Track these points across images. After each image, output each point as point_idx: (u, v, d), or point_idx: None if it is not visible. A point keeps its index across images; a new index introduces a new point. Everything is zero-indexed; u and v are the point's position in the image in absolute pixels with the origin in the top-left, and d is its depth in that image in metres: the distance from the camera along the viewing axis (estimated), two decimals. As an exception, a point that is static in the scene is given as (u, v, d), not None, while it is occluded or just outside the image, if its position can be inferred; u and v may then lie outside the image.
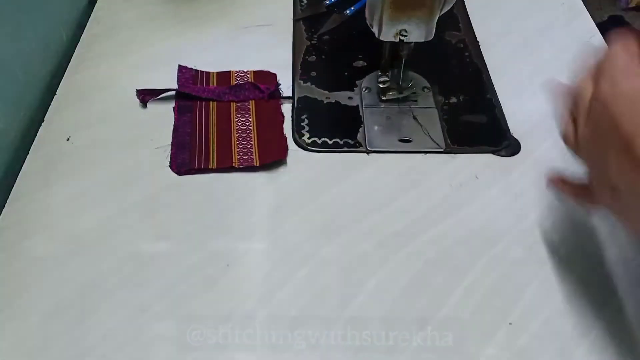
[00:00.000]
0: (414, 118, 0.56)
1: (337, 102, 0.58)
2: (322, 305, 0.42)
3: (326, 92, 0.59)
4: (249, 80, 0.60)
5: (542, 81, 0.60)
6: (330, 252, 0.46)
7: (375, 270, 0.44)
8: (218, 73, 0.61)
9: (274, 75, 0.61)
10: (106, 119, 0.56)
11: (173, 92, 0.58)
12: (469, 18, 0.69)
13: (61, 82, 0.60)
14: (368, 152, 0.53)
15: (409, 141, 0.54)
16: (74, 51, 0.64)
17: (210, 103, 0.57)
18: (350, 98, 0.58)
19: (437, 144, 0.53)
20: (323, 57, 0.64)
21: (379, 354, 0.40)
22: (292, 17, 0.69)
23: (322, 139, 0.54)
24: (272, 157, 0.52)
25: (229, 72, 0.61)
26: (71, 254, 0.45)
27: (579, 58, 0.38)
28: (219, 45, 0.65)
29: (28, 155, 0.52)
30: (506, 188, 0.50)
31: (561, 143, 0.53)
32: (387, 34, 0.51)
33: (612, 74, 0.34)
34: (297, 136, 0.54)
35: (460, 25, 0.68)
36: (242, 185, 0.50)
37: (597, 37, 0.66)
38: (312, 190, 0.50)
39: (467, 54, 0.64)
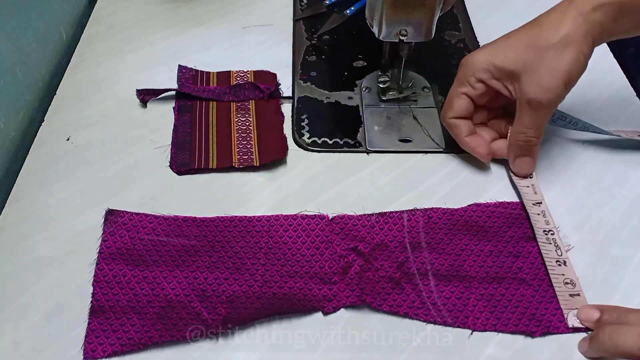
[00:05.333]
0: (414, 118, 0.56)
1: (337, 102, 0.58)
2: (322, 305, 0.42)
3: (326, 92, 0.59)
4: (249, 80, 0.60)
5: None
6: (330, 252, 0.46)
7: (375, 270, 0.44)
8: (218, 73, 0.61)
9: (274, 75, 0.61)
10: (106, 119, 0.56)
11: (173, 92, 0.58)
12: (469, 18, 0.68)
13: (61, 82, 0.60)
14: (368, 152, 0.53)
15: (409, 141, 0.54)
16: (74, 51, 0.64)
17: (210, 103, 0.57)
18: (350, 98, 0.58)
19: (437, 144, 0.53)
20: (323, 57, 0.64)
21: (379, 354, 0.40)
22: (292, 17, 0.69)
23: (322, 139, 0.54)
24: (271, 157, 0.52)
25: (229, 72, 0.61)
26: (71, 254, 0.45)
27: None
28: (219, 45, 0.65)
29: (28, 155, 0.52)
30: (506, 188, 0.50)
31: (560, 142, 0.54)
32: (387, 34, 0.51)
33: None
34: (297, 136, 0.54)
35: (460, 25, 0.68)
36: (242, 185, 0.50)
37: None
38: (312, 190, 0.50)
39: (467, 53, 0.63)
